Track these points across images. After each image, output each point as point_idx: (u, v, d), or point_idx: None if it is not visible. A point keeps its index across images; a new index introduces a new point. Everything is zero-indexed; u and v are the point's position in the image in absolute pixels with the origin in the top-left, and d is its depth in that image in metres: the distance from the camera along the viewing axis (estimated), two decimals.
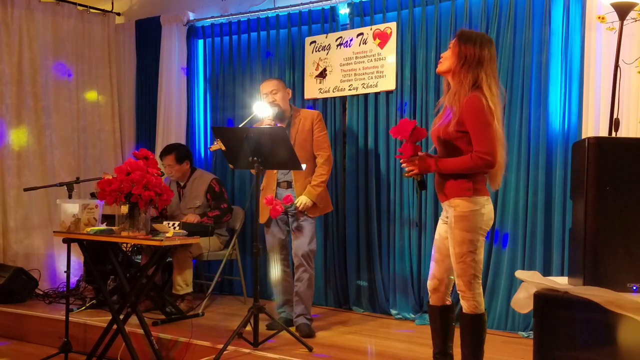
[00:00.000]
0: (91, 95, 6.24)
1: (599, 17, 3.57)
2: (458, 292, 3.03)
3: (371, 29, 4.95)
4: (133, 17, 6.44)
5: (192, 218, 5.01)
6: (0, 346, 4.65)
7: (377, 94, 4.93)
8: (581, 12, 4.07)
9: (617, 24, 3.40)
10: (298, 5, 5.30)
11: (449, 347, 3.18)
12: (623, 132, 3.54)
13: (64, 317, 4.12)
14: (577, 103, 4.11)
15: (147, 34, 6.24)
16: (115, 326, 3.87)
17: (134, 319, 3.90)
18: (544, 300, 2.82)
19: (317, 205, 4.32)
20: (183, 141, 5.83)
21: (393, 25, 4.84)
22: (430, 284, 3.20)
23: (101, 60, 6.32)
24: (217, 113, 5.89)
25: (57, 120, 5.95)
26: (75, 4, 6.12)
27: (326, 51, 5.17)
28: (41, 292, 5.39)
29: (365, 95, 4.99)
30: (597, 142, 2.80)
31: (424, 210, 4.69)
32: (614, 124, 3.36)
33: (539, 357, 2.82)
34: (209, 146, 5.78)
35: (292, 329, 4.18)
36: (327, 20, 5.19)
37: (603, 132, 3.71)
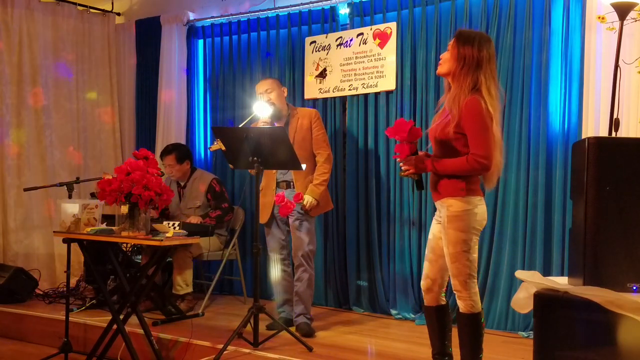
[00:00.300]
0: (91, 95, 6.24)
1: (599, 17, 3.57)
2: (454, 292, 3.04)
3: (371, 29, 4.95)
4: (133, 17, 6.44)
5: (195, 220, 5.01)
6: (0, 346, 4.65)
7: (377, 94, 4.93)
8: (581, 12, 4.07)
9: (617, 24, 3.39)
10: (298, 5, 5.30)
11: (447, 346, 3.18)
12: (623, 132, 3.54)
13: (64, 317, 4.12)
14: (577, 103, 4.11)
15: (147, 34, 6.24)
16: (115, 326, 3.87)
17: (134, 319, 3.90)
18: (544, 300, 2.82)
19: (319, 203, 4.33)
20: (183, 141, 5.83)
21: (393, 25, 4.84)
22: (423, 284, 3.20)
23: (101, 60, 6.32)
24: (217, 113, 5.89)
25: (57, 120, 5.95)
26: (75, 4, 6.12)
27: (326, 51, 5.17)
28: (41, 292, 5.39)
29: (365, 95, 4.99)
30: (597, 142, 2.80)
31: (423, 210, 4.69)
32: (614, 124, 3.36)
33: (539, 357, 2.82)
34: (209, 146, 5.78)
35: (292, 329, 4.18)
36: (327, 20, 5.19)
37: (603, 132, 3.71)
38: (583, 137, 3.63)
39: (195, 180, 5.30)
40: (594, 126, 3.83)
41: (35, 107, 5.81)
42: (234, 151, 4.01)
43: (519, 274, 3.19)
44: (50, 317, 4.70)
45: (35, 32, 5.80)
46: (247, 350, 3.82)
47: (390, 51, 4.85)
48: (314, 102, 5.25)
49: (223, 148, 4.02)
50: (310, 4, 5.24)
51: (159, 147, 5.76)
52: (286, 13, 5.41)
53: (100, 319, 4.45)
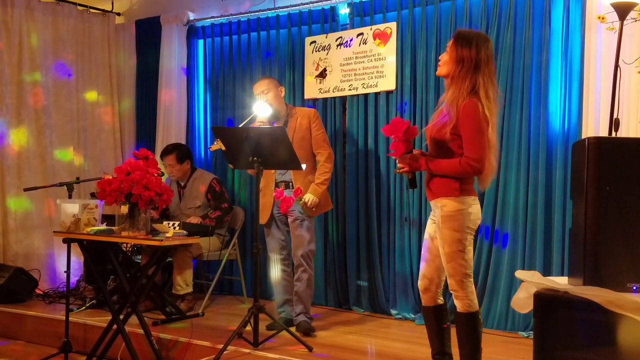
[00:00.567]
0: (91, 96, 6.24)
1: (599, 17, 3.57)
2: (451, 291, 3.05)
3: (371, 29, 4.95)
4: (133, 17, 6.44)
5: (195, 221, 5.00)
6: (0, 346, 4.65)
7: (377, 94, 4.93)
8: (581, 12, 4.07)
9: (617, 24, 3.39)
10: (298, 5, 5.30)
11: (446, 346, 3.19)
12: (623, 132, 3.54)
13: (64, 317, 4.12)
14: (577, 103, 4.11)
15: (147, 34, 6.24)
16: (115, 326, 3.87)
17: (134, 319, 3.90)
18: (544, 300, 2.83)
19: (320, 202, 4.33)
20: (183, 141, 5.83)
21: (393, 25, 4.84)
22: (420, 284, 3.21)
23: (101, 60, 6.32)
24: (217, 113, 5.89)
25: (57, 120, 5.95)
26: (75, 4, 6.12)
27: (326, 51, 5.17)
28: (41, 292, 5.39)
29: (365, 95, 4.99)
30: (597, 142, 2.80)
31: (423, 210, 4.69)
32: (614, 124, 3.36)
33: (539, 357, 2.82)
34: (209, 146, 5.78)
35: (292, 329, 4.18)
36: (327, 20, 5.19)
37: (603, 132, 3.71)
38: (583, 137, 3.63)
39: (196, 180, 5.30)
40: (594, 126, 3.83)
41: (35, 107, 5.81)
42: (234, 151, 4.01)
43: (519, 274, 3.19)
44: (50, 317, 4.70)
45: (35, 32, 5.80)
46: (247, 350, 3.82)
47: (390, 51, 4.85)
48: (314, 102, 5.24)
49: (223, 148, 4.02)
50: (310, 4, 5.24)
51: (159, 147, 5.76)
52: (286, 13, 5.41)
53: (100, 319, 4.45)
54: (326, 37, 5.17)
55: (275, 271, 4.50)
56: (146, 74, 6.29)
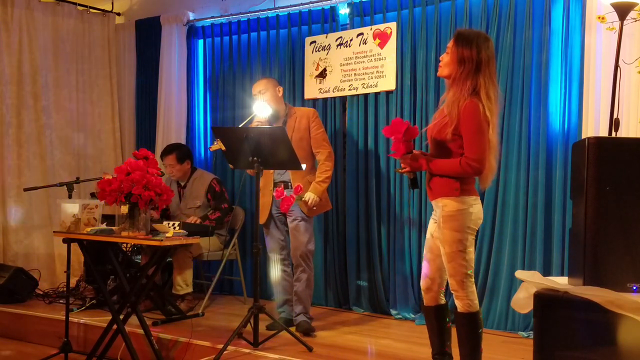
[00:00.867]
0: (91, 96, 6.23)
1: (599, 17, 3.57)
2: (451, 291, 3.05)
3: (371, 29, 4.95)
4: (133, 17, 6.44)
5: (194, 221, 5.00)
6: (0, 346, 4.65)
7: (377, 94, 4.93)
8: (581, 12, 4.07)
9: (617, 24, 3.39)
10: (298, 5, 5.30)
11: (447, 346, 3.19)
12: (623, 132, 3.54)
13: (64, 317, 4.12)
14: (577, 103, 4.11)
15: (147, 34, 6.24)
16: (115, 326, 3.87)
17: (134, 319, 3.90)
18: (544, 300, 2.82)
19: (321, 201, 4.33)
20: (183, 141, 5.83)
21: (393, 25, 4.84)
22: (422, 283, 3.22)
23: (101, 60, 6.32)
24: (217, 113, 5.89)
25: (57, 120, 5.95)
26: (75, 4, 6.12)
27: (326, 51, 5.17)
28: (41, 292, 5.39)
29: (365, 95, 4.99)
30: (597, 142, 2.80)
31: (424, 210, 4.69)
32: (614, 124, 3.36)
33: (539, 357, 2.82)
34: (209, 146, 5.78)
35: (292, 329, 4.18)
36: (327, 20, 5.19)
37: (603, 132, 3.71)
38: (583, 137, 3.63)
39: (196, 180, 5.30)
40: (594, 126, 3.83)
41: (35, 107, 5.81)
42: (234, 151, 4.01)
43: (519, 274, 3.19)
44: (50, 317, 4.70)
45: (35, 32, 5.80)
46: (247, 350, 3.82)
47: (390, 51, 4.85)
48: (314, 102, 5.24)
49: (223, 148, 4.02)
50: (310, 4, 5.24)
51: (159, 147, 5.76)
52: (286, 13, 5.41)
53: (100, 319, 4.45)
54: (326, 37, 5.17)
55: (275, 271, 4.50)
56: (146, 74, 6.29)
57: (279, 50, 5.47)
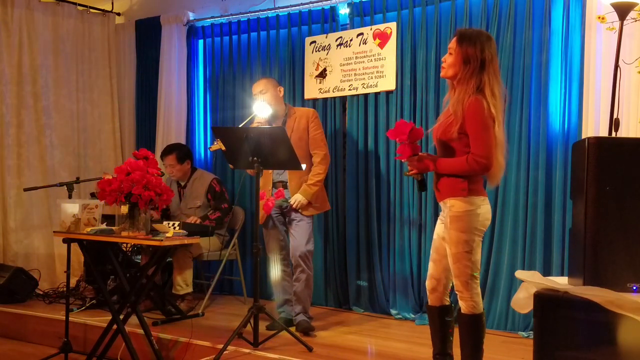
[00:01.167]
0: (91, 96, 6.23)
1: (599, 17, 3.57)
2: (456, 292, 3.04)
3: (371, 29, 4.95)
4: (133, 17, 6.44)
5: (194, 220, 5.00)
6: (0, 346, 4.65)
7: (377, 94, 4.93)
8: (581, 12, 4.07)
9: (617, 24, 3.39)
10: (298, 5, 5.30)
11: (448, 347, 3.18)
12: (623, 132, 3.54)
13: (64, 317, 4.12)
14: (577, 103, 4.11)
15: (147, 34, 6.24)
16: (115, 326, 3.87)
17: (134, 319, 3.90)
18: (544, 300, 2.82)
19: (313, 204, 4.33)
20: (183, 141, 5.83)
21: (393, 25, 4.84)
22: (428, 283, 3.21)
23: (101, 60, 6.32)
24: (217, 113, 5.89)
25: (57, 120, 5.95)
26: (75, 4, 6.12)
27: (326, 51, 5.17)
28: (41, 292, 5.39)
29: (365, 95, 4.99)
30: (597, 142, 2.80)
31: (424, 210, 4.69)
32: (614, 124, 3.36)
33: (539, 357, 2.82)
34: (209, 146, 5.78)
35: (292, 329, 4.18)
36: (327, 20, 5.19)
37: (603, 132, 3.71)
38: (583, 137, 3.63)
39: (196, 180, 5.30)
40: (594, 126, 3.83)
41: (35, 107, 5.81)
42: (234, 151, 4.01)
43: (519, 274, 3.19)
44: (50, 317, 4.70)
45: (35, 32, 5.80)
46: (247, 350, 3.82)
47: (390, 51, 4.85)
48: (314, 102, 5.24)
49: (223, 148, 4.02)
50: (310, 4, 5.24)
51: (159, 147, 5.76)
52: (286, 13, 5.41)
53: (100, 319, 4.45)
54: (326, 37, 5.17)
55: (275, 271, 4.50)
56: (146, 74, 6.29)
57: (279, 50, 5.47)
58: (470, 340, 3.02)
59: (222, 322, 4.59)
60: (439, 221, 3.17)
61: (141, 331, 3.86)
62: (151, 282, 4.07)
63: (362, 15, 5.03)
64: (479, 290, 3.01)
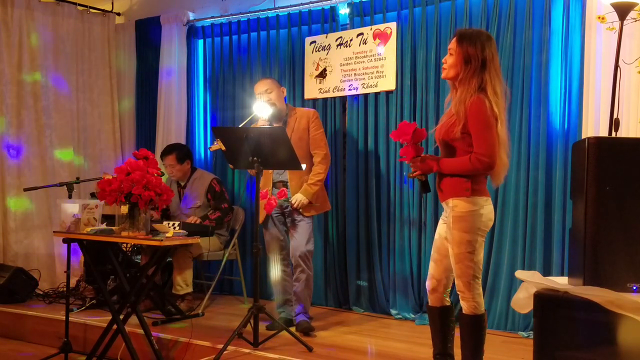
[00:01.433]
0: (91, 96, 6.23)
1: (599, 17, 3.57)
2: (458, 292, 3.03)
3: (371, 29, 4.95)
4: (133, 17, 6.44)
5: (194, 220, 5.00)
6: (0, 346, 4.65)
7: (377, 94, 4.93)
8: (581, 12, 4.07)
9: (617, 24, 3.39)
10: (298, 5, 5.30)
11: (449, 347, 3.18)
12: (623, 132, 3.54)
13: (64, 317, 4.12)
14: (577, 103, 4.11)
15: (147, 34, 6.24)
16: (115, 326, 3.87)
17: (134, 319, 3.90)
18: (544, 300, 2.82)
19: (313, 204, 4.33)
20: (183, 141, 5.83)
21: (393, 25, 4.84)
22: (428, 284, 3.20)
23: (101, 60, 6.32)
24: (217, 113, 5.89)
25: (57, 120, 5.95)
26: (75, 4, 6.12)
27: (326, 51, 5.17)
28: (41, 292, 5.39)
29: (365, 95, 4.99)
30: (597, 142, 2.80)
31: (424, 210, 4.69)
32: (614, 124, 3.36)
33: (539, 357, 2.82)
34: (209, 146, 5.78)
35: (292, 329, 4.18)
36: (327, 20, 5.19)
37: (603, 132, 3.71)
38: (583, 137, 3.63)
39: (196, 180, 5.30)
40: (594, 126, 3.83)
41: (35, 107, 5.80)
42: (234, 151, 4.01)
43: (519, 274, 3.19)
44: (50, 317, 4.70)
45: (35, 32, 5.80)
46: (247, 350, 3.82)
47: (390, 51, 4.84)
48: (314, 102, 5.24)
49: (223, 148, 4.02)
50: (310, 4, 5.24)
51: (159, 147, 5.76)
52: (286, 13, 5.41)
53: (100, 319, 4.45)
54: (326, 37, 5.17)
55: (275, 271, 4.50)
56: (146, 74, 6.29)
57: (279, 50, 5.47)
58: (471, 341, 3.02)
59: (222, 322, 4.59)
60: (441, 221, 3.17)
61: (141, 331, 3.86)
62: (151, 282, 4.07)
63: (362, 15, 5.03)
64: (480, 290, 3.01)
